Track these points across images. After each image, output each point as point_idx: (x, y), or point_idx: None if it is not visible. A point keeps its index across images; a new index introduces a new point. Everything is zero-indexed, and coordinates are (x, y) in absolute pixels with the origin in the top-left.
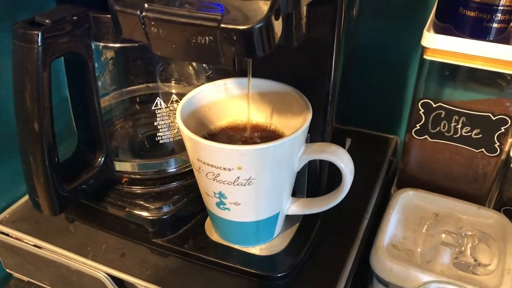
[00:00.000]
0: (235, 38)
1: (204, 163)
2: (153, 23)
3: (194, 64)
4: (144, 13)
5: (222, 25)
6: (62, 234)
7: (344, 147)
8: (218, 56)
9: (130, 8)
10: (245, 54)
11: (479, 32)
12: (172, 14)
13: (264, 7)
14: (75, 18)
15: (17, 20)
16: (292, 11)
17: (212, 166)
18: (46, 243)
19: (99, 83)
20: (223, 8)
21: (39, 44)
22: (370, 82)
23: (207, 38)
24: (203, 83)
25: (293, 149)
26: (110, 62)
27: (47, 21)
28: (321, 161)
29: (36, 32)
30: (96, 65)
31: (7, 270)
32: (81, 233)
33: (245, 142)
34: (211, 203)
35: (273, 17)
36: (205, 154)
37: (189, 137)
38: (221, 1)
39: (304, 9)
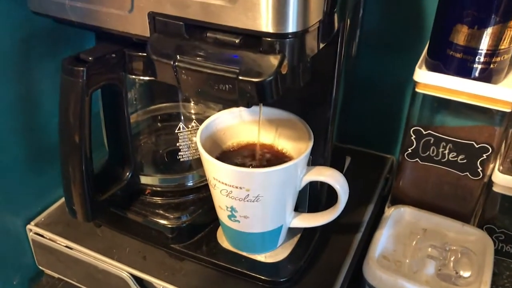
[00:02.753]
0: (249, 88)
1: (219, 181)
2: (183, 71)
3: None
4: (176, 63)
5: (240, 77)
6: (90, 237)
7: (344, 164)
8: (235, 100)
9: (165, 58)
10: (258, 100)
11: (464, 71)
12: (199, 66)
13: (275, 62)
14: (113, 55)
15: (59, 54)
16: (299, 63)
17: (225, 184)
18: (76, 245)
19: None
20: (240, 59)
21: (84, 78)
22: (369, 107)
23: (227, 86)
24: (219, 105)
25: (296, 171)
26: (138, 86)
27: (90, 58)
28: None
29: (81, 68)
30: None
31: (40, 267)
32: (108, 237)
33: (255, 160)
34: (223, 215)
35: (281, 71)
36: (220, 174)
37: (207, 159)
38: (238, 53)
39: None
